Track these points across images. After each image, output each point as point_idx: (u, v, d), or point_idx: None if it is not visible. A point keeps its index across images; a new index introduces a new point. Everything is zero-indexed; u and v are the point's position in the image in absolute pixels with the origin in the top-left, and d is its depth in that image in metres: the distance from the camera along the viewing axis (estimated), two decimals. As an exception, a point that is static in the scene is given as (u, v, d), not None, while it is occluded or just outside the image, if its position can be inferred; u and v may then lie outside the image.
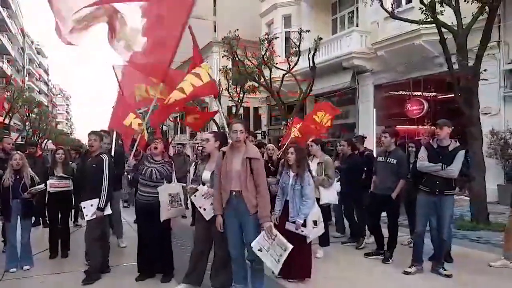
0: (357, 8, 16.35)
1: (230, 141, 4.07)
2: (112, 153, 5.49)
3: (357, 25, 16.16)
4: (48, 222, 6.34)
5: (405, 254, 5.31)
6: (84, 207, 4.72)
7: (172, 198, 4.58)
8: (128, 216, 8.25)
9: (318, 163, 5.66)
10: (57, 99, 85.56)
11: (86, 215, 4.71)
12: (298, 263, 4.48)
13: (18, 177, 5.14)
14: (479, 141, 7.81)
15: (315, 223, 4.63)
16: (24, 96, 27.35)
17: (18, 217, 5.15)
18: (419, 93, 13.84)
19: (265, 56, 15.44)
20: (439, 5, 7.88)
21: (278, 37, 17.28)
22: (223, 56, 17.05)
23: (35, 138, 32.82)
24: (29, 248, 5.27)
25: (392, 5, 10.62)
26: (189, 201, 7.14)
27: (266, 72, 15.65)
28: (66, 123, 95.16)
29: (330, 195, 5.62)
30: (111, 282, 4.68)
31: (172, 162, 4.91)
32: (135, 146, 4.78)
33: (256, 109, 24.76)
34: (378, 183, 5.54)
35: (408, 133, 13.49)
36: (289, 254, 3.85)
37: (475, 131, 7.76)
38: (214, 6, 29.09)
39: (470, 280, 4.72)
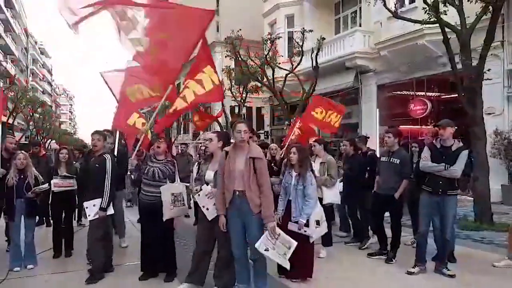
0: (360, 8, 16.33)
1: (233, 140, 4.07)
2: (115, 153, 5.51)
3: (360, 25, 16.13)
4: (51, 221, 6.37)
5: (408, 254, 5.30)
6: (87, 207, 4.73)
7: (174, 198, 4.58)
8: (131, 216, 8.29)
9: (321, 163, 5.65)
10: (60, 99, 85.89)
11: (89, 215, 4.72)
12: (301, 263, 4.48)
13: (22, 176, 5.16)
14: (482, 141, 7.78)
15: (317, 223, 4.62)
16: (27, 96, 27.48)
17: (22, 216, 5.16)
18: (422, 93, 13.80)
19: (268, 56, 15.44)
20: (443, 4, 7.86)
21: (281, 37, 17.27)
22: (226, 56, 17.07)
23: (39, 137, 32.98)
24: (33, 248, 5.29)
25: (395, 5, 10.58)
26: (192, 201, 7.14)
27: (269, 72, 15.65)
28: (70, 123, 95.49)
29: (333, 195, 5.62)
30: (114, 282, 4.70)
31: (175, 161, 4.92)
32: (138, 146, 4.79)
33: (259, 109, 24.75)
34: (381, 183, 5.53)
35: (411, 133, 13.47)
36: (292, 255, 3.85)
37: (478, 131, 7.73)
38: (217, 6, 29.10)
39: (474, 280, 4.70)
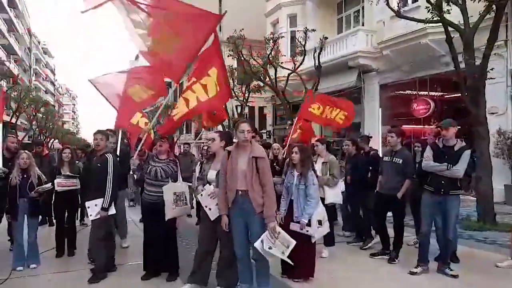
0: (362, 7, 16.29)
1: (235, 140, 4.07)
2: (118, 153, 5.51)
3: (362, 24, 16.10)
4: (54, 221, 6.38)
5: (411, 254, 5.29)
6: (89, 207, 4.74)
7: (177, 197, 4.58)
8: (134, 215, 8.30)
9: (323, 162, 5.64)
10: (63, 99, 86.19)
11: (91, 215, 4.73)
12: (303, 263, 4.47)
13: (25, 176, 5.17)
14: (485, 140, 7.76)
15: (319, 222, 4.61)
16: (31, 96, 27.61)
17: (25, 216, 5.17)
18: (425, 93, 13.76)
19: (270, 56, 15.44)
20: (446, 3, 7.83)
21: (283, 36, 17.25)
22: (228, 56, 17.04)
23: (42, 137, 33.10)
24: (35, 247, 5.30)
25: (398, 4, 10.56)
26: (194, 200, 7.16)
27: (272, 72, 15.64)
28: (73, 123, 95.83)
29: (335, 195, 5.61)
30: (116, 281, 4.71)
31: (177, 161, 4.93)
32: (140, 145, 4.79)
33: (261, 109, 24.75)
34: (384, 183, 5.52)
35: (414, 132, 13.42)
36: (294, 254, 3.84)
37: (481, 130, 7.70)
38: (219, 5, 29.10)
39: (476, 280, 4.69)
